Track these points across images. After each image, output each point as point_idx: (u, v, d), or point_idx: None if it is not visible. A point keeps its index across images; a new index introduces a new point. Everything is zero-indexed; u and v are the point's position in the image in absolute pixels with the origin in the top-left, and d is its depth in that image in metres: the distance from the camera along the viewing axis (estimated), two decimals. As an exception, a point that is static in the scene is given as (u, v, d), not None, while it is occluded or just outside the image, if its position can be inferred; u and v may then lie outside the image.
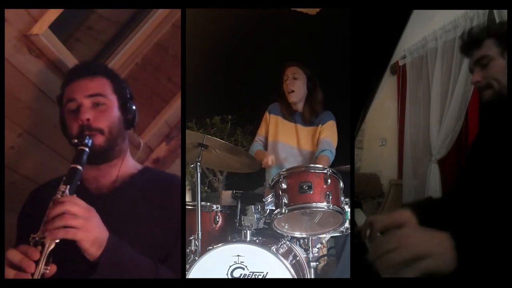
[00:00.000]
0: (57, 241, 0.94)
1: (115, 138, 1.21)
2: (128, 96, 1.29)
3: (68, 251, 0.95)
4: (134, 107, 1.30)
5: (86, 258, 0.98)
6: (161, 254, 1.14)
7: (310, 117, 2.19)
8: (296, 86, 2.18)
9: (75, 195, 1.01)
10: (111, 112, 1.22)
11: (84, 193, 1.05)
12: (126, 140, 1.28)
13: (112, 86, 1.25)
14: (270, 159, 2.02)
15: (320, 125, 2.16)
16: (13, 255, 0.91)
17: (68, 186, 1.01)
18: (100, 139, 1.17)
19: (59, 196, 1.00)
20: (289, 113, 2.23)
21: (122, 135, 1.25)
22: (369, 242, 1.12)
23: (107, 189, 1.22)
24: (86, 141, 1.12)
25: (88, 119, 1.16)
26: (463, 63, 2.65)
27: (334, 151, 2.10)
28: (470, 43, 1.18)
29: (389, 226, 1.09)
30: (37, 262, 0.91)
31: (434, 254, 0.71)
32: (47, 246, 0.92)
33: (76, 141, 1.13)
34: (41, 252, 0.92)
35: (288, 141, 2.20)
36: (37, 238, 0.94)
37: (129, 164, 1.29)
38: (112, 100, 1.23)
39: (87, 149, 1.11)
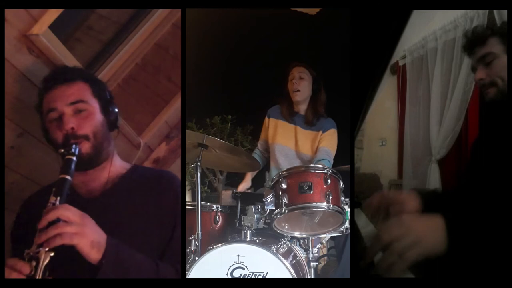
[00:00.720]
0: (52, 254, 0.92)
1: (101, 142, 1.20)
2: (108, 97, 1.28)
3: (67, 260, 0.94)
4: (116, 109, 1.28)
5: (86, 263, 0.97)
6: (158, 250, 1.14)
7: (312, 119, 2.18)
8: (302, 86, 2.17)
9: (66, 204, 1.00)
10: (93, 117, 1.20)
11: (75, 198, 1.05)
12: (111, 142, 1.27)
13: (91, 90, 1.23)
14: (240, 186, 2.18)
15: (321, 132, 2.15)
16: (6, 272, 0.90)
17: (59, 198, 1.00)
18: (86, 146, 1.16)
19: (50, 207, 0.98)
20: (289, 114, 2.22)
21: (107, 138, 1.25)
22: (371, 218, 1.15)
23: (98, 192, 1.21)
24: (73, 150, 1.11)
25: (72, 128, 1.15)
26: (463, 63, 2.65)
27: (332, 161, 2.11)
28: (474, 40, 1.17)
29: (393, 200, 1.13)
30: (33, 277, 0.90)
31: (423, 238, 0.72)
32: (42, 260, 0.91)
33: (62, 150, 1.11)
34: (36, 267, 0.91)
35: (286, 143, 2.20)
36: (31, 254, 0.92)
37: (117, 165, 1.28)
38: (93, 105, 1.22)
39: (74, 158, 1.09)
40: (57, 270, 0.93)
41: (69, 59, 1.42)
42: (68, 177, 1.05)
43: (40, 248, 0.92)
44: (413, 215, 0.79)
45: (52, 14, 1.24)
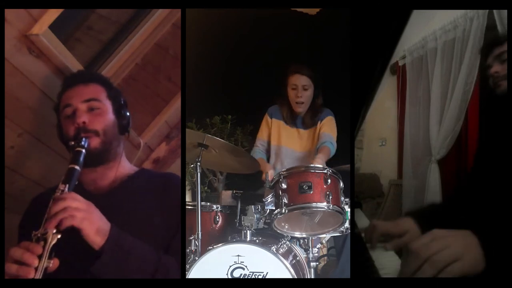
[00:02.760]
0: (59, 236, 0.96)
1: (110, 140, 1.25)
2: (122, 103, 1.33)
3: (71, 242, 0.97)
4: (128, 114, 1.33)
5: (89, 247, 1.00)
6: (162, 248, 1.15)
7: (311, 122, 2.19)
8: (305, 98, 2.13)
9: (74, 192, 1.04)
10: (106, 116, 1.25)
11: (83, 194, 1.07)
12: (121, 144, 1.32)
13: (106, 93, 1.29)
14: (270, 174, 1.96)
15: (319, 122, 2.16)
16: (14, 251, 0.93)
17: (67, 185, 1.04)
18: (95, 141, 1.20)
19: (59, 194, 1.02)
20: (290, 118, 2.21)
21: (117, 138, 1.29)
22: (370, 247, 1.12)
23: (106, 190, 1.25)
24: (83, 142, 1.15)
25: (84, 122, 1.20)
26: (463, 63, 2.65)
27: (335, 144, 2.08)
28: (494, 43, 1.28)
29: (391, 233, 1.09)
30: (39, 257, 0.93)
31: (465, 254, 0.68)
32: (49, 241, 0.95)
33: (72, 143, 1.15)
34: (44, 247, 0.94)
35: (291, 145, 2.20)
36: (39, 235, 0.96)
37: (125, 166, 1.32)
38: (107, 105, 1.27)
39: (83, 150, 1.14)
40: (63, 252, 0.96)
41: (69, 59, 1.42)
42: (77, 167, 1.10)
43: (48, 230, 0.96)
44: (447, 231, 0.75)
45: (52, 14, 1.24)
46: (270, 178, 1.89)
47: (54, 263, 0.94)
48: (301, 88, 2.12)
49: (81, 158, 1.12)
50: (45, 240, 0.95)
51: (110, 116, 1.26)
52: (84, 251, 1.00)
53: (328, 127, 2.14)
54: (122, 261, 1.02)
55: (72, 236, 0.97)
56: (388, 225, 1.10)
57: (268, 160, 2.26)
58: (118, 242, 1.03)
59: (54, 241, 0.95)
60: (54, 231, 0.96)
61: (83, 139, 1.16)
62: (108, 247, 1.00)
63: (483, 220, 0.94)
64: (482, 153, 1.24)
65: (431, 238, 0.72)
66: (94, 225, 1.00)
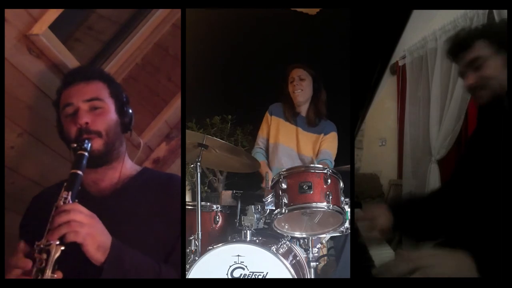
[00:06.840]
0: (63, 248, 0.94)
1: (113, 141, 1.22)
2: (125, 100, 1.30)
3: (73, 257, 0.95)
4: (130, 111, 1.31)
5: (91, 263, 0.98)
6: (164, 252, 1.15)
7: (314, 119, 2.21)
8: (303, 86, 2.20)
9: (77, 202, 1.02)
10: (108, 115, 1.22)
11: (85, 196, 1.06)
12: (123, 143, 1.29)
13: (108, 90, 1.26)
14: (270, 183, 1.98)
15: (322, 135, 2.19)
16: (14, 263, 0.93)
17: (70, 193, 1.02)
18: (98, 143, 1.18)
19: (62, 203, 1.00)
20: (291, 115, 2.24)
21: (120, 138, 1.26)
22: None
23: (108, 192, 1.23)
24: (85, 145, 1.12)
25: (86, 123, 1.17)
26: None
27: (333, 162, 2.14)
28: (458, 45, 1.15)
29: (363, 217, 1.18)
30: (43, 269, 0.91)
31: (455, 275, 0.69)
32: (52, 253, 0.93)
33: (75, 145, 1.12)
34: (47, 260, 0.92)
35: (288, 143, 2.21)
36: (42, 246, 0.94)
37: (127, 166, 1.30)
38: (109, 104, 1.24)
39: (86, 154, 1.11)
40: (66, 264, 0.95)
41: (69, 59, 1.42)
42: (80, 172, 1.07)
43: (51, 241, 0.94)
44: (443, 252, 0.76)
45: (52, 14, 1.24)
46: (269, 179, 1.90)
47: (57, 277, 0.93)
48: (297, 78, 2.21)
49: (84, 162, 1.09)
50: (48, 252, 0.93)
51: (112, 115, 1.24)
52: (85, 264, 0.99)
53: (329, 144, 2.18)
54: (121, 277, 1.00)
55: (74, 249, 0.96)
56: (361, 212, 1.14)
57: (267, 158, 2.27)
58: (119, 258, 1.01)
59: (58, 253, 0.93)
60: (58, 242, 0.94)
61: (86, 141, 1.13)
62: (108, 264, 0.98)
63: (478, 241, 0.96)
64: (470, 152, 1.24)
65: (427, 253, 0.74)
66: (95, 241, 0.98)
